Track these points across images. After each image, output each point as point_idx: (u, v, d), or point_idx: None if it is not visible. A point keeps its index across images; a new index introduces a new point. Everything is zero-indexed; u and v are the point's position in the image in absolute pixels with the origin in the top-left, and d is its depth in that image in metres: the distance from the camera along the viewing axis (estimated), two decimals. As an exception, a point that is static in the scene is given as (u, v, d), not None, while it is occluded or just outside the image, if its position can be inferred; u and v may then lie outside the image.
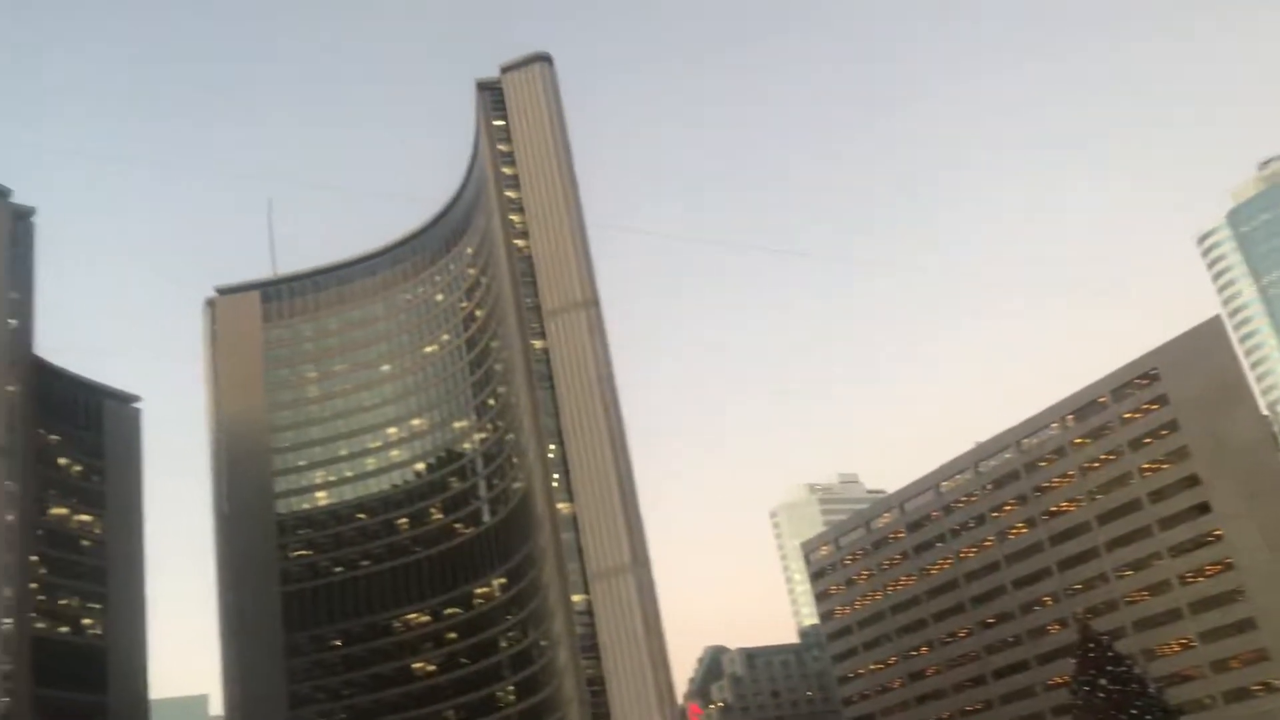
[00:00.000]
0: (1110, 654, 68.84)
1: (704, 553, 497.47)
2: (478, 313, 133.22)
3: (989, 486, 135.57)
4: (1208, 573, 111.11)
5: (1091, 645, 69.18)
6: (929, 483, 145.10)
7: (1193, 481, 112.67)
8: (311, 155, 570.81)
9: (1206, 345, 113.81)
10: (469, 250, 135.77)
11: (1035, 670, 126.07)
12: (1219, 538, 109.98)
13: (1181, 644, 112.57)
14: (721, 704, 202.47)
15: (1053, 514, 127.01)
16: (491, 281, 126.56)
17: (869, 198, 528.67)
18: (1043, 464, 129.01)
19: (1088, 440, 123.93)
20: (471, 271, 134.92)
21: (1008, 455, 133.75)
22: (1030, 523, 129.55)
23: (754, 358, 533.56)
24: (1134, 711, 62.91)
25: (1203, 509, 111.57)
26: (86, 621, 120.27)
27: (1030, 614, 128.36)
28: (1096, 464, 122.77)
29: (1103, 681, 65.16)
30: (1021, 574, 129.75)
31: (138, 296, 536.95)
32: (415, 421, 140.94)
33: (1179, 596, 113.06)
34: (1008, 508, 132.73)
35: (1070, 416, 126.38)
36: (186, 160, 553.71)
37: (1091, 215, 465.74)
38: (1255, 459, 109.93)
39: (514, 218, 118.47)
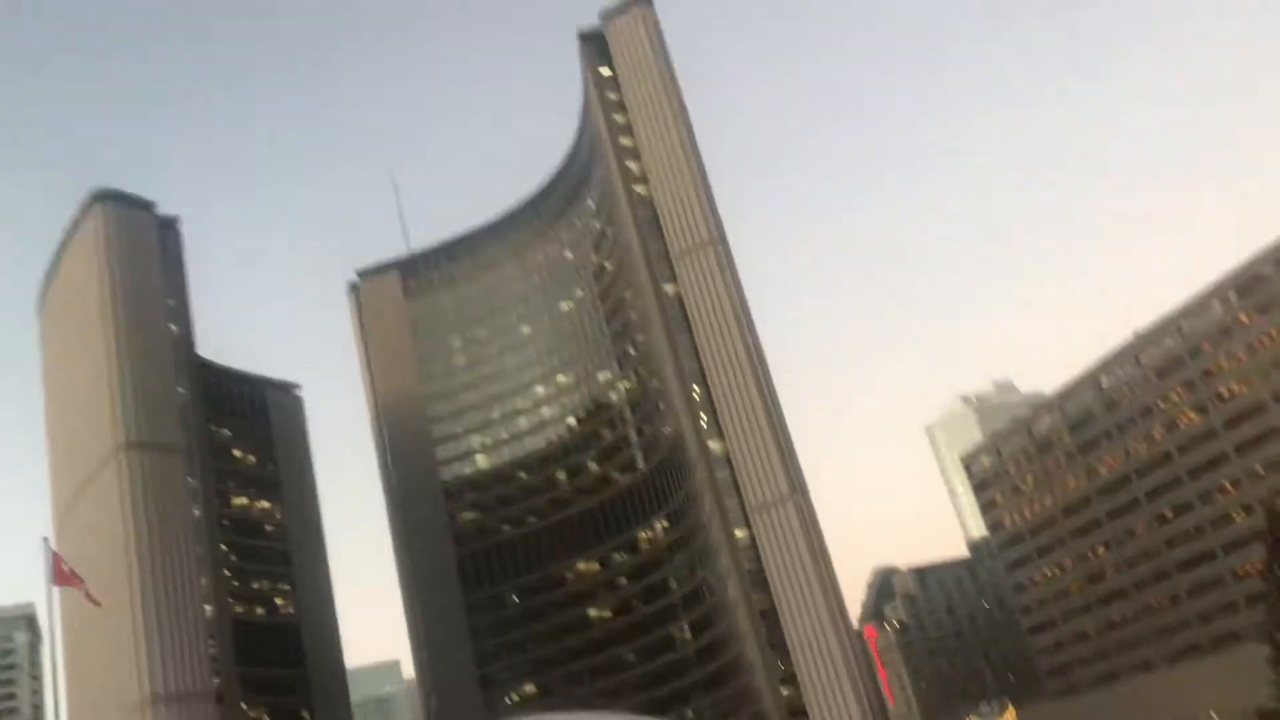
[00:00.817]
0: (1301, 535, 65.66)
1: (864, 476, 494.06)
2: (607, 264, 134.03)
3: (1153, 376, 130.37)
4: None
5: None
6: (1089, 380, 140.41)
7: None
8: (426, 127, 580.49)
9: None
10: (591, 203, 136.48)
11: (1222, 560, 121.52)
12: None
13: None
14: (897, 624, 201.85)
15: (1224, 398, 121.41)
16: (617, 232, 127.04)
17: (1010, 100, 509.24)
18: (1208, 346, 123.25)
19: (1255, 316, 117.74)
20: (596, 224, 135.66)
21: (1169, 342, 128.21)
22: (1200, 409, 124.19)
23: (890, 273, 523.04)
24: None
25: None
26: (279, 601, 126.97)
27: (1210, 503, 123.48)
28: (1267, 340, 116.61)
29: (1295, 564, 62.25)
30: (1196, 463, 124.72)
31: (286, 292, 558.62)
32: (560, 378, 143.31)
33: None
34: (1174, 396, 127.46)
35: (1233, 292, 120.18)
36: (307, 152, 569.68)
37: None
38: None
39: (631, 164, 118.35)
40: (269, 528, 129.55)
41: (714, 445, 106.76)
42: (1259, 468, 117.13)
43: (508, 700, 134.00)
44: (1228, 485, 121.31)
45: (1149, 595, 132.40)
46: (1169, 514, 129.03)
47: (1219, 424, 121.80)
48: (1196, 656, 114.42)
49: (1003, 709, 71.22)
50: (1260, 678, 62.62)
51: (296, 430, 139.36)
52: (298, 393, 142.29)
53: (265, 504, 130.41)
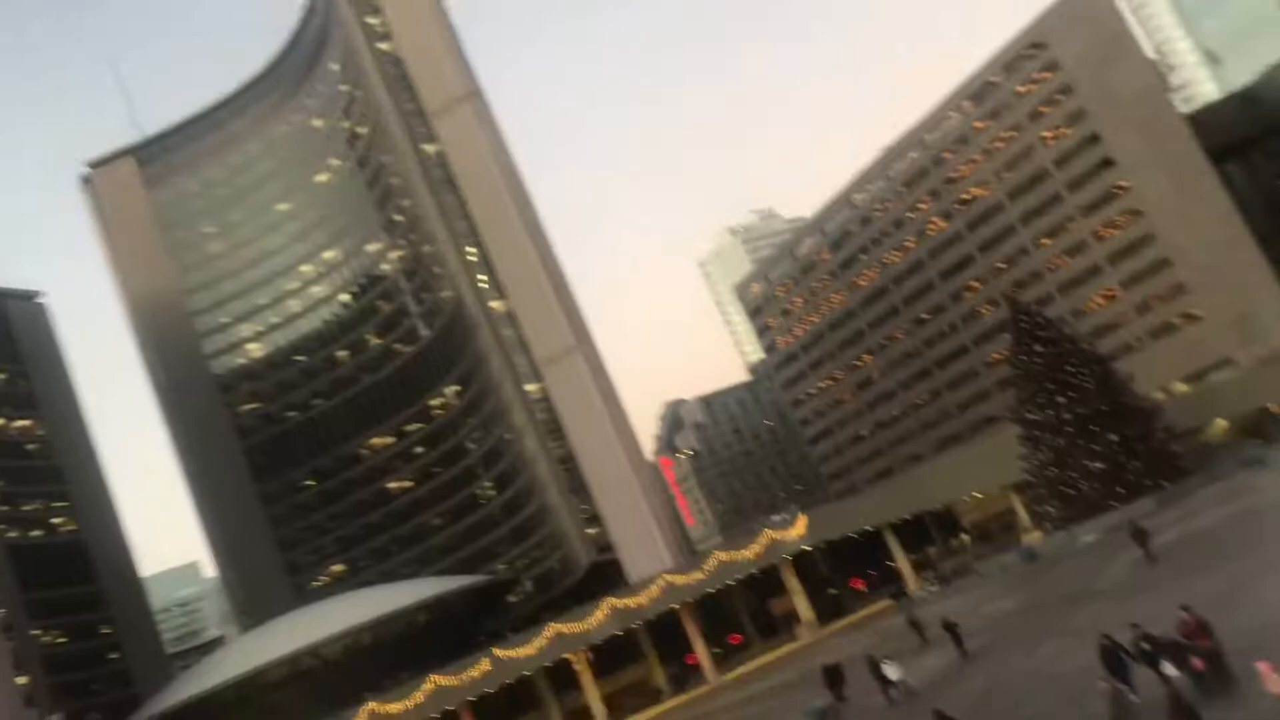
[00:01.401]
0: (1040, 321, 71.58)
1: (646, 318, 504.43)
2: (360, 129, 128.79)
3: (901, 189, 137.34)
4: (1119, 224, 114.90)
5: (1022, 317, 71.70)
6: (843, 198, 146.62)
7: (1094, 140, 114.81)
8: (142, 5, 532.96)
9: (1087, 2, 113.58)
10: (334, 67, 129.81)
11: (974, 353, 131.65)
12: (1125, 189, 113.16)
13: (1105, 296, 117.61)
14: (689, 451, 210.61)
15: (966, 202, 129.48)
16: (367, 94, 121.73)
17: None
18: (949, 154, 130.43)
19: (988, 122, 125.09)
20: (343, 88, 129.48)
21: (914, 154, 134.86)
22: (946, 215, 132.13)
23: (650, 114, 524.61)
24: (1069, 368, 66.13)
25: (1107, 164, 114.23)
26: (57, 520, 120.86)
27: (961, 302, 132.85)
28: (1000, 143, 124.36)
29: (1037, 348, 67.88)
30: (946, 266, 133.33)
31: (13, 195, 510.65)
32: (327, 254, 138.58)
33: (1096, 253, 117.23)
34: (922, 206, 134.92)
35: (967, 102, 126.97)
36: (10, 41, 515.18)
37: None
38: (1149, 105, 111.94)
39: (371, 20, 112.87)
40: (31, 446, 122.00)
41: (495, 305, 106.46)
42: (1000, 263, 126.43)
43: (317, 582, 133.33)
44: (974, 283, 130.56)
45: (913, 394, 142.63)
46: (925, 316, 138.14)
47: (963, 227, 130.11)
48: (959, 444, 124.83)
49: (793, 516, 76.00)
50: (1013, 455, 68.92)
51: (44, 341, 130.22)
52: (41, 300, 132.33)
53: (23, 422, 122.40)
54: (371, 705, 68.33)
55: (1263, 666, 18.71)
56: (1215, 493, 56.88)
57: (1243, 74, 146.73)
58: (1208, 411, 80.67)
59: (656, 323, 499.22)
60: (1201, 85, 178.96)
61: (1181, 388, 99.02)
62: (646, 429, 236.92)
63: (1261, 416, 77.02)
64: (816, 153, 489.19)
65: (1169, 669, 22.14)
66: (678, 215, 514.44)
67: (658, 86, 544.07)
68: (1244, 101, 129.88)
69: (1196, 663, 20.90)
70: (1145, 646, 22.99)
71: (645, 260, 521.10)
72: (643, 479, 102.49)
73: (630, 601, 72.41)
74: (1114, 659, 23.12)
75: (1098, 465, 63.35)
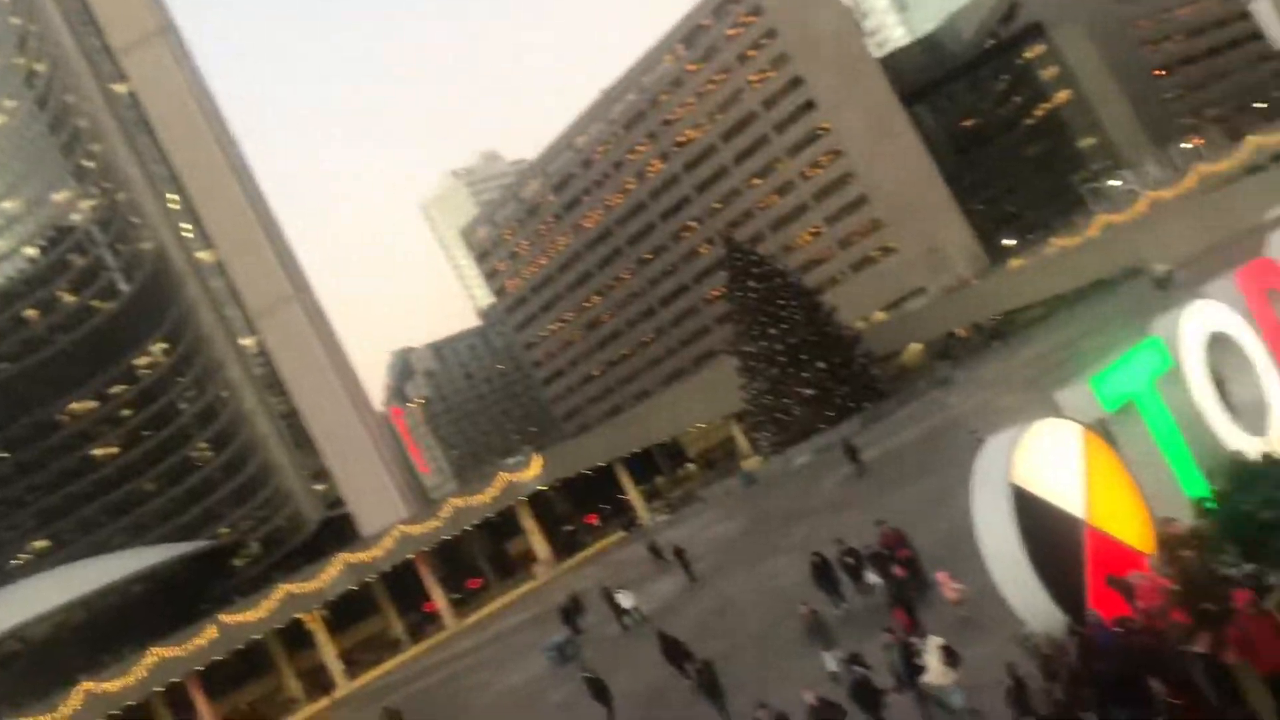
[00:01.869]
0: (753, 258, 74.91)
1: (370, 264, 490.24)
2: (38, 67, 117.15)
3: (621, 131, 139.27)
4: (822, 164, 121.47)
5: (736, 255, 74.77)
6: (565, 141, 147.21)
7: (797, 83, 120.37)
8: None
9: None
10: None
11: (695, 290, 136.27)
12: (827, 130, 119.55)
13: (811, 233, 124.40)
14: (421, 400, 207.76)
15: (682, 144, 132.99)
16: (43, 28, 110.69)
17: None
18: (664, 97, 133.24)
19: (699, 65, 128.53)
20: (15, 21, 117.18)
21: (631, 97, 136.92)
22: (664, 157, 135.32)
23: (362, 48, 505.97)
24: (780, 302, 69.68)
25: (809, 106, 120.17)
26: None
27: (681, 241, 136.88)
28: (712, 85, 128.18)
29: (751, 284, 71.05)
30: (666, 206, 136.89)
31: None
32: (7, 205, 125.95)
33: (803, 192, 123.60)
34: (641, 148, 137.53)
35: (680, 44, 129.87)
36: None
37: None
38: (845, 49, 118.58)
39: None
40: None
41: (203, 255, 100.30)
42: (716, 204, 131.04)
43: (17, 560, 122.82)
44: (692, 223, 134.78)
45: (640, 332, 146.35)
46: (648, 256, 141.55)
47: (680, 169, 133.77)
48: (684, 378, 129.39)
49: (528, 457, 76.68)
50: (732, 385, 72.18)
51: None
52: None
53: None
54: (86, 685, 64.01)
55: (940, 576, 20.42)
56: (911, 411, 61.64)
57: (928, 20, 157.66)
58: (903, 337, 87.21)
59: (381, 269, 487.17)
60: (892, 30, 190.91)
61: (880, 316, 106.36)
62: (375, 379, 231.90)
63: (949, 340, 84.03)
64: (539, 94, 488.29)
65: (871, 577, 24.03)
66: (398, 158, 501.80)
67: (375, 23, 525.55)
68: (929, 46, 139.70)
69: (898, 570, 22.50)
70: (849, 560, 24.79)
71: (366, 205, 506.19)
72: (372, 430, 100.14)
73: (364, 555, 71.06)
74: (823, 573, 24.81)
75: (808, 391, 67.31)
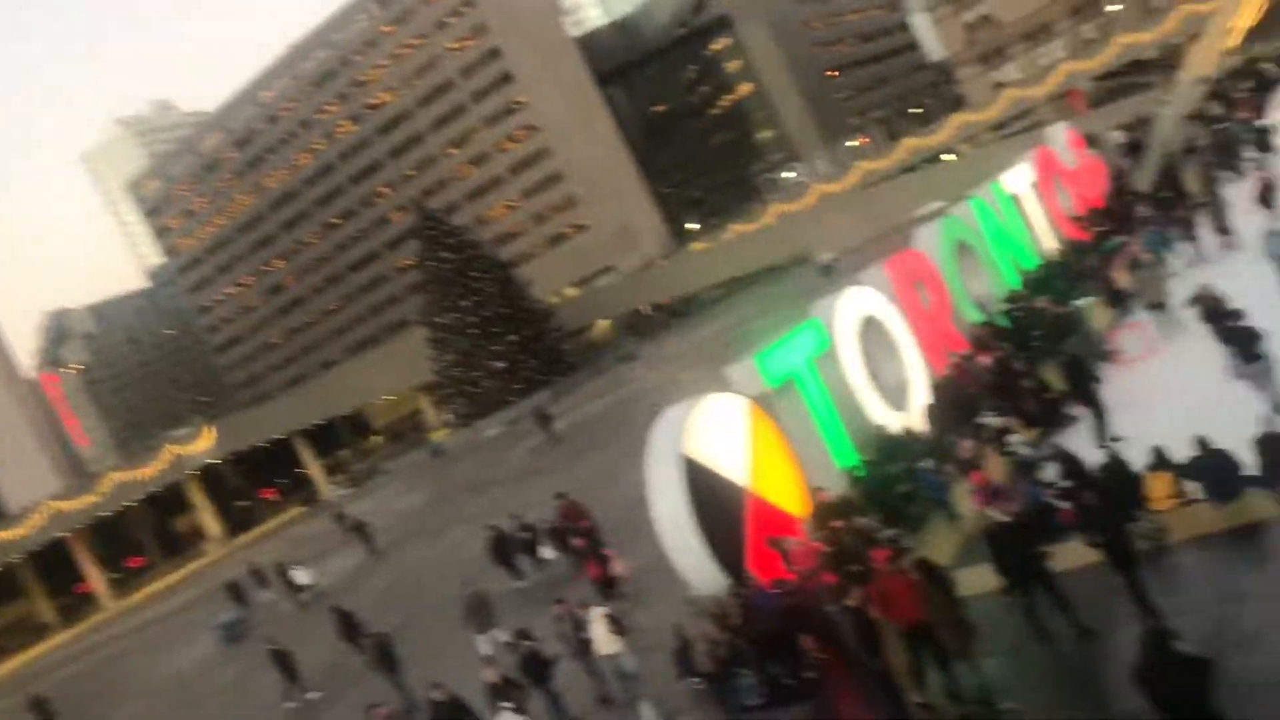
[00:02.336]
0: (447, 228, 74.23)
1: (21, 218, 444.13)
2: None
3: (310, 88, 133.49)
4: (519, 138, 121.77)
5: (429, 224, 73.84)
6: (249, 94, 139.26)
7: (495, 54, 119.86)
8: None
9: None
10: None
11: (386, 258, 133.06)
12: (524, 104, 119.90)
13: (506, 206, 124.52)
14: (78, 366, 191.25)
15: (375, 106, 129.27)
16: None
17: None
18: (358, 57, 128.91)
19: (395, 27, 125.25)
20: None
21: (322, 54, 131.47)
22: (356, 119, 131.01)
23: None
24: (473, 274, 69.50)
25: (507, 79, 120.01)
26: None
27: (372, 207, 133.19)
28: (408, 49, 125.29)
29: (444, 254, 70.42)
30: (357, 170, 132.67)
31: None
32: None
33: (499, 164, 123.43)
34: (331, 107, 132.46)
35: (374, 4, 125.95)
36: None
37: None
38: (544, 25, 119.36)
39: None
40: None
41: None
42: (410, 170, 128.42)
43: None
44: (385, 189, 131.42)
45: (326, 299, 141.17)
46: (337, 220, 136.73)
47: (373, 132, 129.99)
48: (371, 348, 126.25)
49: (198, 429, 72.37)
50: (421, 357, 71.32)
51: None
52: None
53: None
54: None
55: (609, 553, 20.86)
56: (599, 385, 63.23)
57: (625, 2, 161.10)
58: (593, 313, 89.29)
59: (34, 224, 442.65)
60: (589, 10, 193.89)
61: (572, 292, 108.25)
62: (23, 344, 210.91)
63: (636, 317, 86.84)
64: (217, 44, 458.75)
65: (547, 552, 24.43)
66: (56, 103, 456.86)
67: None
68: (625, 30, 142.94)
69: (577, 542, 22.84)
70: (525, 534, 25.06)
71: (17, 154, 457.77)
72: (19, 397, 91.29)
73: (7, 534, 64.76)
74: (499, 547, 24.95)
75: (498, 364, 67.61)
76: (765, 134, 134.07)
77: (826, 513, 16.23)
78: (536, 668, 15.63)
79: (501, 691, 14.83)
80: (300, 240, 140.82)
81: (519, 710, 14.46)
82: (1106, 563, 11.66)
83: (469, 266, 70.12)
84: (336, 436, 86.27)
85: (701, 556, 15.28)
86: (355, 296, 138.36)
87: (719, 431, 16.38)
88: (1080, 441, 16.24)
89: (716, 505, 15.61)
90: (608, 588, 19.98)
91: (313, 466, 77.99)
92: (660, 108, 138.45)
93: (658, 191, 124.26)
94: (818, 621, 13.13)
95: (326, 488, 76.35)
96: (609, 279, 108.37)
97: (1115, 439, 16.32)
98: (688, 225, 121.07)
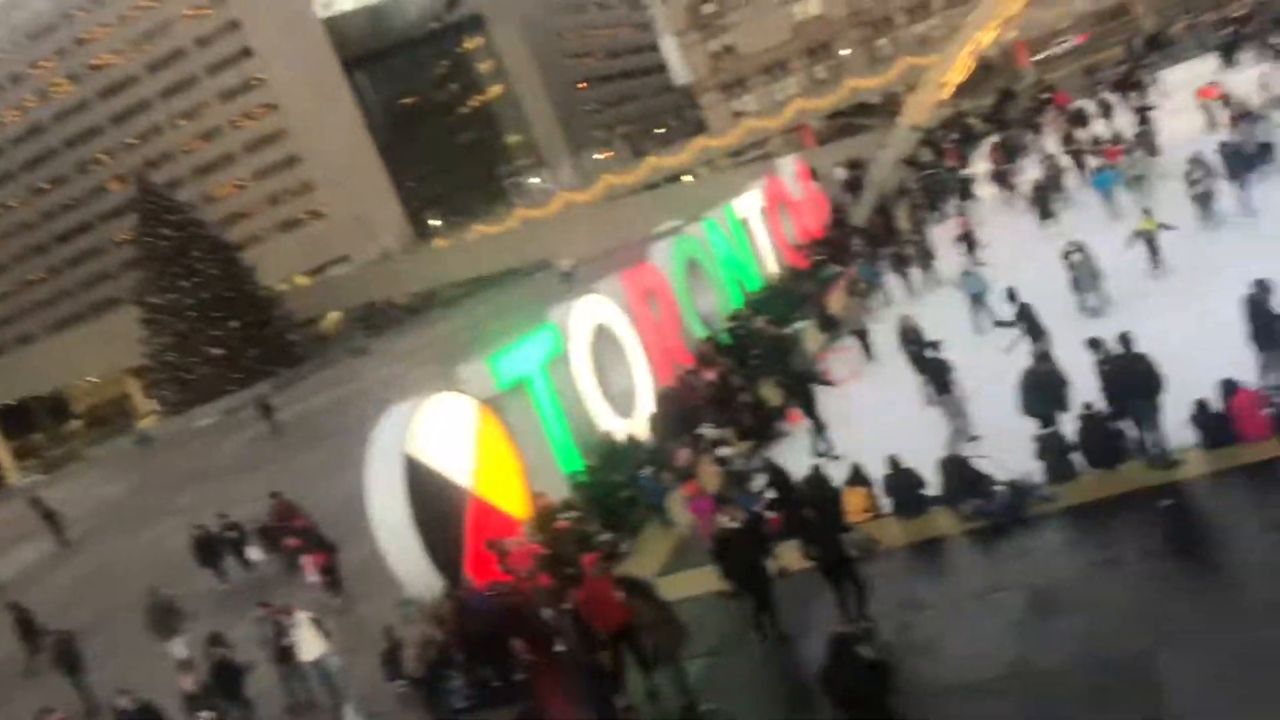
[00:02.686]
0: (169, 203, 70.11)
1: None
2: None
3: (22, 40, 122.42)
4: (255, 115, 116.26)
5: (150, 197, 69.59)
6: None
7: (235, 26, 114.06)
8: None
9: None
10: None
11: (100, 229, 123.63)
12: (262, 81, 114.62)
13: (237, 185, 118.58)
14: None
15: (96, 67, 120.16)
16: None
17: None
18: (81, 13, 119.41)
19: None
20: None
21: (40, 5, 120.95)
22: (75, 79, 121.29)
23: None
24: (195, 254, 65.92)
25: (246, 53, 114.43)
26: None
27: (87, 174, 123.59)
28: (137, 11, 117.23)
29: (164, 230, 66.51)
30: (72, 134, 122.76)
31: None
32: None
33: (231, 141, 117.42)
34: (46, 64, 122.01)
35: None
36: None
37: None
38: (289, 1, 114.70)
39: None
40: None
41: None
42: (132, 139, 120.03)
43: None
44: (103, 156, 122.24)
45: (28, 269, 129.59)
46: (45, 185, 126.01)
47: (93, 94, 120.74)
48: (79, 324, 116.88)
49: None
50: (132, 338, 66.83)
51: None
52: None
53: None
54: None
55: (304, 559, 20.20)
56: (326, 377, 61.27)
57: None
58: (325, 304, 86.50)
59: None
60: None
61: (303, 280, 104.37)
62: None
63: (370, 310, 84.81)
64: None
65: (254, 553, 23.37)
66: None
67: None
68: (376, 16, 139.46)
69: (290, 542, 21.93)
70: (231, 534, 23.88)
71: None
72: None
73: None
74: (205, 547, 23.66)
75: (217, 350, 64.35)
76: (513, 138, 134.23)
77: (547, 516, 16.39)
78: (227, 676, 14.90)
79: (199, 700, 14.10)
80: (3, 204, 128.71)
81: (220, 720, 13.79)
82: (819, 570, 12.32)
83: (191, 245, 66.38)
84: (30, 418, 79.36)
85: (418, 557, 15.09)
86: (62, 269, 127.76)
87: (445, 432, 16.24)
88: (794, 455, 17.14)
89: (437, 506, 15.46)
90: (330, 578, 19.35)
91: (0, 450, 71.48)
92: (409, 100, 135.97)
93: (400, 184, 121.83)
94: (531, 624, 13.24)
95: (15, 473, 70.10)
96: (343, 269, 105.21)
97: (834, 454, 17.39)
98: (430, 221, 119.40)
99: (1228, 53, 40.86)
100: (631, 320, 22.08)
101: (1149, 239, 20.14)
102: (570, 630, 12.71)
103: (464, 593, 14.47)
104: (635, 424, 20.69)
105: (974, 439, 15.60)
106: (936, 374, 16.54)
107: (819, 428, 18.23)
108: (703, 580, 14.42)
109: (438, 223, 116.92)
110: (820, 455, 17.27)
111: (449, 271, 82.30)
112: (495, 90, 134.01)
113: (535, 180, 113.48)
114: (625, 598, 12.05)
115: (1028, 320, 17.47)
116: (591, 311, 21.01)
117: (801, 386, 18.80)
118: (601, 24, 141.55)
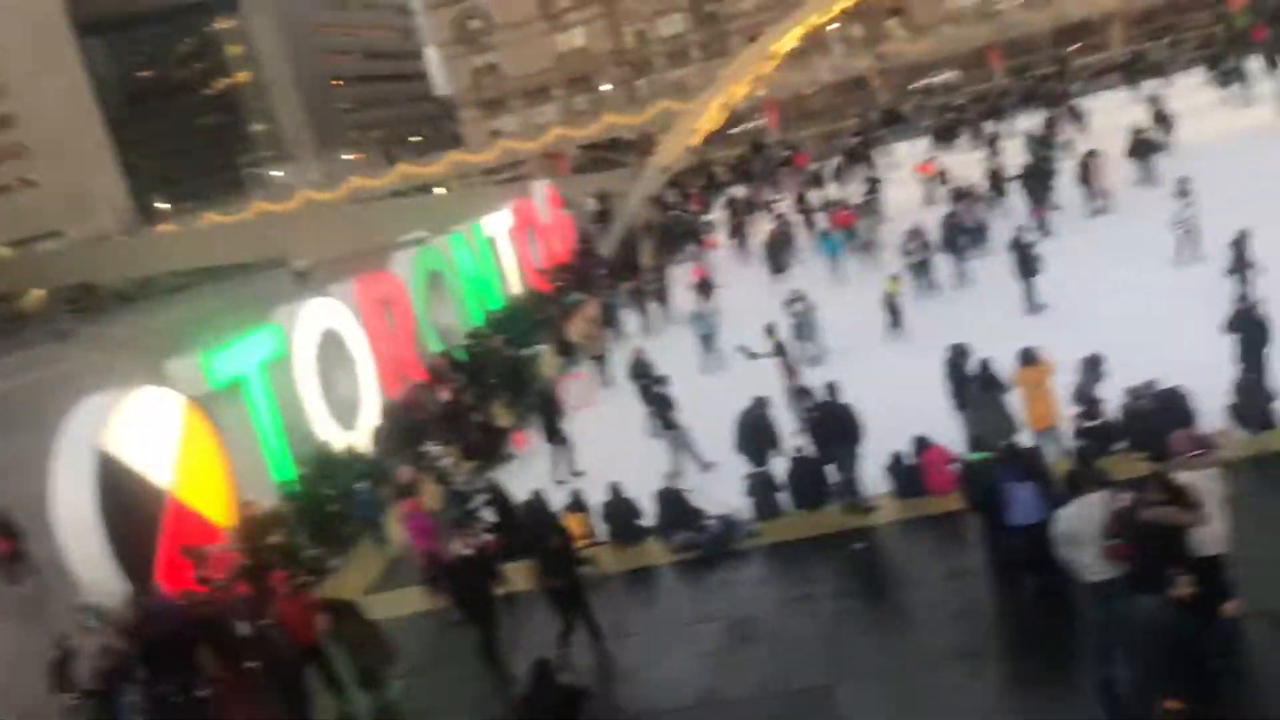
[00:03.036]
0: None
1: None
2: None
3: None
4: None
5: None
6: None
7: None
8: None
9: None
10: None
11: None
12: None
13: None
14: None
15: None
16: None
17: None
18: None
19: None
20: None
21: None
22: None
23: None
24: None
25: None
26: None
27: None
28: None
29: None
30: None
31: None
32: None
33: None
34: None
35: None
36: None
37: None
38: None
39: None
40: None
41: None
42: None
43: None
44: None
45: None
46: None
47: None
48: None
49: None
50: None
51: None
52: None
53: None
54: None
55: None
56: (19, 360, 56.24)
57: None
58: (27, 280, 79.63)
59: None
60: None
61: (4, 251, 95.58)
62: None
63: (79, 291, 78.63)
64: None
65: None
66: None
67: None
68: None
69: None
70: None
71: None
72: None
73: None
74: None
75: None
76: (258, 127, 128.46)
77: (252, 525, 15.60)
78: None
79: None
80: None
81: None
82: (551, 599, 12.18)
83: None
84: None
85: (103, 560, 13.97)
86: None
87: (145, 428, 15.17)
88: (520, 479, 17.03)
89: (130, 507, 14.40)
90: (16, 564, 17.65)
91: None
92: (147, 73, 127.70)
93: (128, 161, 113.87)
94: (221, 637, 12.50)
95: None
96: (54, 245, 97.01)
97: (578, 471, 17.49)
98: (157, 204, 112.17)
99: (946, 134, 44.49)
100: (363, 328, 21.48)
101: (891, 301, 21.17)
102: (265, 646, 12.10)
103: (150, 600, 13.50)
104: (358, 436, 20.08)
105: (706, 467, 16.12)
106: (662, 408, 17.01)
107: (565, 448, 18.21)
108: (413, 599, 14.15)
109: (166, 206, 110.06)
110: (574, 475, 17.39)
111: (173, 259, 77.34)
112: (243, 76, 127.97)
113: (277, 174, 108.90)
114: (331, 616, 11.61)
115: (783, 357, 18.24)
116: (321, 315, 20.29)
117: (547, 407, 18.72)
118: (364, 24, 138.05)
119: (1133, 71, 47.23)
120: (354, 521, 17.01)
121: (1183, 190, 21.07)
